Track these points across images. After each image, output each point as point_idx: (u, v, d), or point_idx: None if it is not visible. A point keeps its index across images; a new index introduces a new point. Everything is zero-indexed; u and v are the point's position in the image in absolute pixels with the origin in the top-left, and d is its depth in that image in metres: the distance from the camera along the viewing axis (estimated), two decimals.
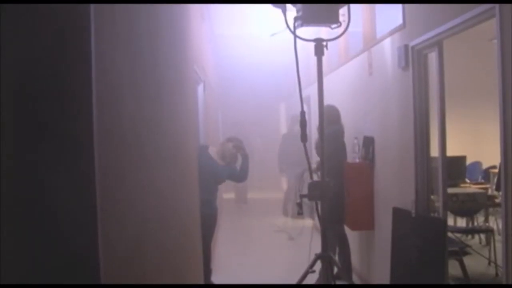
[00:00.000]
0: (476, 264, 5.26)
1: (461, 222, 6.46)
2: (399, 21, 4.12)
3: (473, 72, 7.89)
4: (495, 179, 6.10)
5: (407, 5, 4.00)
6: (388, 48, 4.45)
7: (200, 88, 5.74)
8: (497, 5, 2.65)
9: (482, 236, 6.10)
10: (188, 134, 3.64)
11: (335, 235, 5.09)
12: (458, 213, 5.96)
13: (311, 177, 3.28)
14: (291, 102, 11.13)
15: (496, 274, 5.03)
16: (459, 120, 7.54)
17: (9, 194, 1.20)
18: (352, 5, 3.19)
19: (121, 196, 1.61)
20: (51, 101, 1.24)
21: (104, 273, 1.31)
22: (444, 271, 3.52)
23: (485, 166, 7.53)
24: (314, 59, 3.20)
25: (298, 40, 3.03)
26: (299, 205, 3.72)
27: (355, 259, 5.36)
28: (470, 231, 6.11)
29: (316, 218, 3.37)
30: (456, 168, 5.83)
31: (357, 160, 5.17)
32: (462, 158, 6.29)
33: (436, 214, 3.88)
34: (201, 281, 4.21)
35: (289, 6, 3.09)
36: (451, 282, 4.32)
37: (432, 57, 3.73)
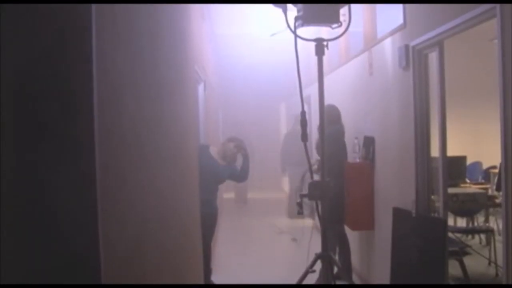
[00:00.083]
0: (476, 264, 5.26)
1: (461, 222, 6.46)
2: (400, 21, 4.12)
3: (473, 72, 7.89)
4: (496, 179, 6.10)
5: (408, 5, 4.00)
6: (388, 48, 4.45)
7: (200, 88, 5.74)
8: (497, 5, 2.65)
9: (482, 236, 6.10)
10: (188, 134, 3.64)
11: (335, 235, 5.09)
12: (458, 213, 5.96)
13: (312, 177, 3.27)
14: (291, 102, 11.12)
15: (496, 274, 5.03)
16: (459, 120, 7.54)
17: (9, 194, 1.20)
18: (353, 5, 3.19)
19: (121, 196, 1.61)
20: (52, 101, 1.24)
21: (105, 273, 1.31)
22: (444, 271, 3.52)
23: (485, 166, 7.53)
24: (314, 59, 3.20)
25: (298, 39, 3.03)
26: (299, 205, 3.72)
27: (355, 259, 5.36)
28: (470, 231, 6.11)
29: (316, 218, 3.37)
30: (456, 168, 5.83)
31: (358, 160, 5.17)
32: (463, 158, 6.29)
33: (436, 214, 3.88)
34: (201, 281, 4.21)
35: (289, 6, 3.09)
36: (451, 282, 4.32)
37: (433, 57, 3.73)
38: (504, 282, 2.71)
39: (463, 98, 7.71)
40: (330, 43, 3.17)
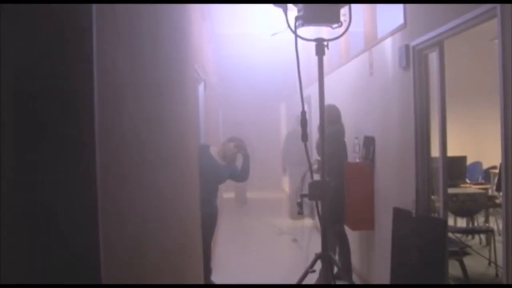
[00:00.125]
0: (476, 265, 5.26)
1: (461, 223, 6.46)
2: (400, 21, 4.11)
3: (474, 72, 7.88)
4: (496, 180, 6.10)
5: (408, 5, 4.00)
6: (389, 48, 4.45)
7: (200, 88, 5.74)
8: (498, 5, 2.65)
9: (482, 236, 6.10)
10: (188, 134, 3.64)
11: (335, 235, 5.09)
12: (458, 213, 5.96)
13: (312, 177, 3.27)
14: (291, 102, 11.12)
15: (496, 275, 5.03)
16: (459, 120, 7.53)
17: (9, 194, 1.20)
18: (353, 5, 3.19)
19: (121, 196, 1.61)
20: (52, 101, 1.23)
21: (105, 273, 1.31)
22: (444, 271, 3.52)
23: (485, 166, 7.53)
24: (315, 58, 3.20)
25: (299, 39, 3.03)
26: (300, 205, 3.72)
27: (355, 259, 5.36)
28: (471, 231, 6.10)
29: (316, 217, 3.37)
30: (456, 168, 5.83)
31: (358, 160, 5.17)
32: (463, 158, 6.29)
33: (436, 214, 3.88)
34: (201, 281, 4.21)
35: (290, 5, 3.09)
36: (451, 282, 4.32)
37: (433, 57, 3.73)
38: (504, 282, 2.71)
39: (463, 98, 7.71)
40: (330, 43, 3.17)
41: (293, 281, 3.36)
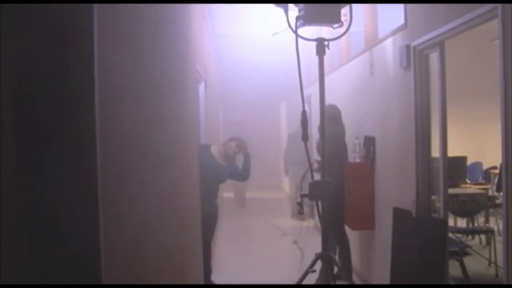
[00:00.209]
0: (477, 265, 5.26)
1: (462, 223, 6.46)
2: (401, 21, 4.11)
3: (474, 72, 7.88)
4: (496, 180, 6.09)
5: (409, 5, 3.99)
6: (389, 48, 4.44)
7: (201, 87, 5.74)
8: (499, 6, 2.64)
9: (483, 236, 6.10)
10: (189, 134, 3.64)
11: (335, 235, 5.09)
12: (458, 213, 5.96)
13: (312, 177, 3.28)
14: (291, 102, 11.12)
15: (496, 275, 5.02)
16: (460, 120, 7.52)
17: (9, 194, 1.20)
18: (354, 5, 3.19)
19: (122, 195, 1.61)
20: (52, 101, 1.23)
21: (105, 273, 1.31)
22: (444, 272, 3.52)
23: (485, 166, 7.52)
24: (315, 58, 3.20)
25: (299, 39, 3.03)
26: (300, 205, 3.72)
27: (355, 259, 5.36)
28: (471, 231, 6.10)
29: (317, 217, 3.37)
30: (456, 168, 5.82)
31: (358, 160, 5.17)
32: (463, 159, 6.28)
33: (436, 215, 3.88)
34: (201, 280, 4.21)
35: (291, 5, 3.09)
36: (451, 283, 4.32)
37: (434, 57, 3.72)
38: (504, 282, 2.70)
39: (464, 98, 7.70)
40: (331, 43, 3.17)
41: (293, 281, 3.36)
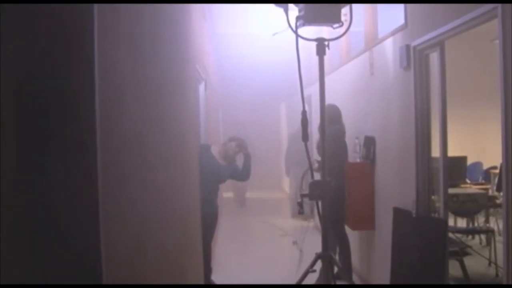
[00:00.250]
0: (477, 265, 5.26)
1: (462, 223, 6.46)
2: (401, 21, 4.11)
3: (474, 72, 7.88)
4: (496, 180, 6.09)
5: (409, 5, 3.99)
6: (389, 48, 4.44)
7: (201, 87, 5.74)
8: (499, 6, 2.64)
9: (483, 236, 6.10)
10: (189, 134, 3.64)
11: (335, 235, 5.09)
12: (458, 213, 5.96)
13: (312, 177, 3.28)
14: (291, 102, 11.12)
15: (496, 275, 5.02)
16: (460, 120, 7.52)
17: (9, 194, 1.20)
18: (354, 5, 3.19)
19: (122, 195, 1.61)
20: (53, 101, 1.23)
21: (105, 273, 1.31)
22: (444, 272, 3.52)
23: (485, 166, 7.52)
24: (315, 58, 3.20)
25: (300, 39, 3.03)
26: (300, 205, 3.73)
27: (355, 259, 5.36)
28: (471, 231, 6.10)
29: (317, 217, 3.37)
30: (457, 168, 5.82)
31: (358, 160, 5.17)
32: (463, 159, 6.28)
33: (436, 215, 3.88)
34: (201, 280, 4.21)
35: (291, 5, 3.09)
36: (451, 282, 4.32)
37: (434, 57, 3.72)
38: (504, 282, 2.70)
39: (464, 98, 7.70)
40: (331, 43, 3.17)
41: (293, 281, 3.36)
